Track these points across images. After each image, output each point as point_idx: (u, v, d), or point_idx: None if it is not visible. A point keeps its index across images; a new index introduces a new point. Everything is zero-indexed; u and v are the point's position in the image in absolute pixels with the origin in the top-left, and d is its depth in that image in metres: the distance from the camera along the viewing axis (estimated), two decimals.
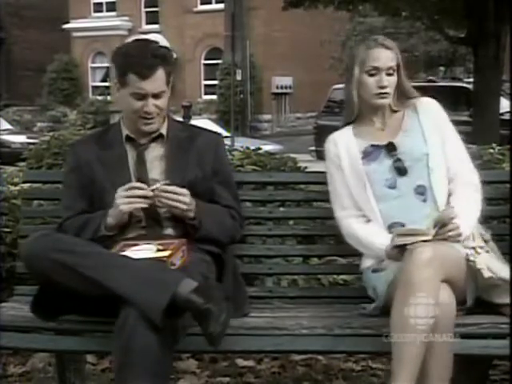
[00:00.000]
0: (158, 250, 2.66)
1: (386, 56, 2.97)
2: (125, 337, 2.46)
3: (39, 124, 25.73)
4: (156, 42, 2.93)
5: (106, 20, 31.03)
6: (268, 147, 10.36)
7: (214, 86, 27.59)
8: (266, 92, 27.56)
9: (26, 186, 3.67)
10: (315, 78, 26.08)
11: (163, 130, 2.96)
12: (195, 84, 29.22)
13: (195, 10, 29.08)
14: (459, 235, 2.70)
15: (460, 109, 13.32)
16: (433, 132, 2.98)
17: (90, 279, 2.53)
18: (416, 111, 3.03)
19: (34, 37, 31.20)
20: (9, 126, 20.27)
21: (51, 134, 6.85)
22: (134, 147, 2.94)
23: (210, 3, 29.00)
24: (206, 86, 29.41)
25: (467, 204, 2.87)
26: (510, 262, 2.82)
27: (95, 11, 32.06)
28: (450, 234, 2.68)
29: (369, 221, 2.94)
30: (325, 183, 3.14)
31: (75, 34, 31.83)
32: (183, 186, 2.79)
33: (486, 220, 2.98)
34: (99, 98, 28.21)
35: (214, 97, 26.99)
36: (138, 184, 2.80)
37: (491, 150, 4.53)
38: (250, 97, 26.27)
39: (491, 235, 2.91)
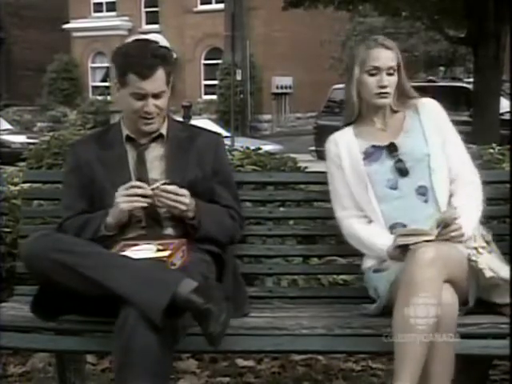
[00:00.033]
0: (158, 250, 2.66)
1: (386, 56, 2.97)
2: (125, 337, 2.46)
3: (39, 124, 25.73)
4: (156, 42, 2.93)
5: (106, 20, 31.03)
6: (268, 147, 10.36)
7: (213, 86, 27.58)
8: (265, 92, 27.57)
9: (25, 185, 3.67)
10: (315, 77, 26.08)
11: (163, 130, 2.96)
12: (195, 84, 29.22)
13: (195, 9, 29.08)
14: (462, 235, 2.70)
15: (460, 109, 13.32)
16: (434, 133, 2.98)
17: (89, 279, 2.53)
18: (417, 112, 3.03)
19: (34, 37, 31.20)
20: (9, 126, 20.28)
21: (51, 134, 6.85)
22: (134, 147, 2.94)
23: (210, 3, 29.00)
24: (205, 86, 29.41)
25: (469, 205, 2.87)
26: (510, 262, 2.82)
27: (95, 11, 32.05)
28: (453, 234, 2.68)
29: (370, 221, 2.94)
30: (325, 183, 3.14)
31: (75, 34, 31.83)
32: (182, 186, 2.79)
33: (486, 220, 2.98)
34: (99, 98, 28.22)
35: (214, 97, 26.98)
36: (138, 183, 2.80)
37: (491, 150, 4.53)
38: (250, 97, 26.27)
39: (492, 236, 2.92)
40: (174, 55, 3.23)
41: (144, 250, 2.67)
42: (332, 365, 3.71)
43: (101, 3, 32.05)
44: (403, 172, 2.92)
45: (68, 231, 2.85)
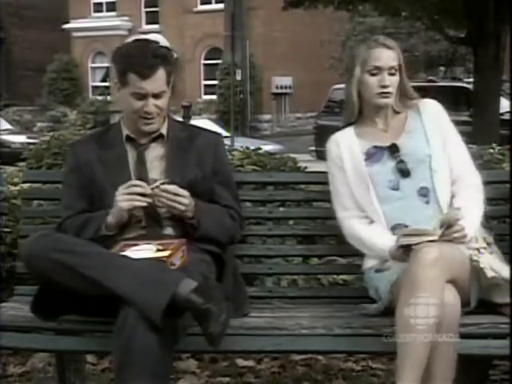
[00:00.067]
0: (158, 250, 2.66)
1: (387, 56, 2.97)
2: (125, 337, 2.45)
3: (39, 124, 25.74)
4: (156, 42, 2.93)
5: (106, 20, 31.03)
6: (268, 147, 10.36)
7: (213, 86, 27.59)
8: (265, 92, 27.57)
9: (25, 185, 3.67)
10: (315, 77, 26.09)
11: (163, 130, 2.96)
12: (195, 84, 29.22)
13: (195, 10, 29.08)
14: (464, 236, 2.70)
15: (460, 109, 13.32)
16: (435, 133, 2.97)
17: (89, 279, 2.53)
18: (418, 112, 3.02)
19: (34, 37, 31.21)
20: (9, 126, 20.28)
21: (51, 134, 6.85)
22: (134, 147, 2.94)
23: (210, 3, 29.00)
24: (205, 85, 29.41)
25: (470, 206, 2.87)
26: (510, 262, 2.82)
27: (95, 11, 32.06)
28: (456, 235, 2.68)
29: (371, 222, 2.94)
30: (325, 183, 3.14)
31: (75, 34, 31.83)
32: (182, 187, 2.79)
33: (486, 220, 2.98)
34: (99, 98, 28.22)
35: (214, 97, 26.99)
36: (138, 182, 2.80)
37: (491, 150, 4.53)
38: (250, 97, 26.27)
39: (493, 236, 2.92)
40: (175, 55, 3.22)
41: (144, 250, 2.67)
42: (332, 365, 3.71)
43: (101, 3, 32.06)
44: (405, 173, 2.92)
45: (68, 231, 2.85)
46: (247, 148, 4.86)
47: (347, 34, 25.02)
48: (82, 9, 31.36)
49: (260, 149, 4.92)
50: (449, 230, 2.67)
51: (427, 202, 2.89)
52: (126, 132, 2.96)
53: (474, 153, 3.12)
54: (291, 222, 3.40)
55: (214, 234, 2.87)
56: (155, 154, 2.93)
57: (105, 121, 21.20)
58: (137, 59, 2.81)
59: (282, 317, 2.85)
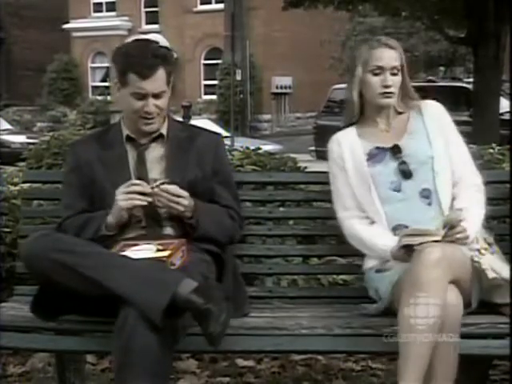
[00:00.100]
0: (158, 250, 2.66)
1: (389, 56, 2.96)
2: (125, 337, 2.45)
3: (39, 124, 25.75)
4: (156, 42, 2.93)
5: (106, 20, 31.03)
6: (268, 147, 10.36)
7: (213, 86, 27.59)
8: (265, 92, 27.57)
9: (25, 185, 3.67)
10: (315, 77, 26.09)
11: (163, 130, 2.96)
12: (195, 84, 29.23)
13: (195, 9, 29.08)
14: (467, 238, 2.70)
15: (460, 109, 13.31)
16: (437, 135, 2.97)
17: (89, 279, 2.53)
18: (421, 113, 3.02)
19: (34, 37, 31.21)
20: (9, 126, 20.29)
21: (51, 134, 6.86)
22: (134, 147, 2.94)
23: (210, 3, 29.01)
24: (205, 86, 29.42)
25: (472, 207, 2.86)
26: (510, 262, 2.82)
27: (95, 11, 32.06)
28: (458, 236, 2.67)
29: (372, 222, 2.94)
30: (325, 183, 3.13)
31: (75, 34, 31.83)
32: (182, 187, 2.79)
33: (486, 220, 2.97)
34: (99, 98, 28.23)
35: (214, 97, 26.99)
36: (137, 181, 2.80)
37: (491, 150, 4.53)
38: (250, 97, 26.28)
39: (494, 237, 2.92)
40: (175, 55, 3.23)
41: (144, 250, 2.67)
42: (332, 365, 3.71)
43: (101, 3, 32.06)
44: (407, 174, 2.91)
45: (68, 230, 2.85)
46: (247, 148, 4.86)
47: (347, 34, 25.03)
48: (81, 9, 31.36)
49: (260, 149, 4.92)
50: (451, 230, 2.67)
51: (429, 204, 2.89)
52: (126, 132, 2.96)
53: (474, 153, 3.12)
54: (291, 221, 3.40)
55: (214, 234, 2.87)
56: (155, 154, 2.93)
57: (105, 121, 21.21)
58: (137, 59, 2.81)
59: (281, 317, 2.85)
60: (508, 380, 3.17)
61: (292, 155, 5.42)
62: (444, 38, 15.38)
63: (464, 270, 2.65)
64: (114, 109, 20.39)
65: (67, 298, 2.63)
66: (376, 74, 2.96)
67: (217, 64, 27.28)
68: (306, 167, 4.92)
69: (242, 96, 24.76)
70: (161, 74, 2.83)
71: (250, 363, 3.73)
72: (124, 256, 2.63)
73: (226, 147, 3.46)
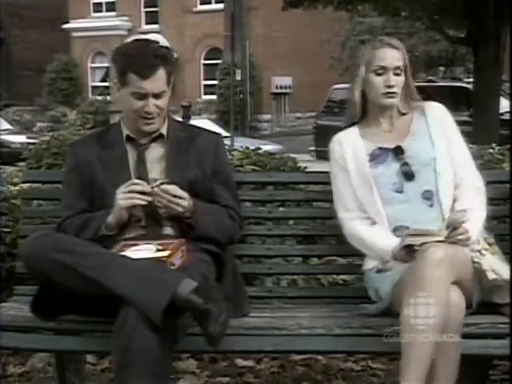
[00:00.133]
0: (158, 250, 2.66)
1: (392, 56, 2.96)
2: (124, 337, 2.45)
3: (39, 124, 25.74)
4: (156, 42, 2.93)
5: (106, 20, 31.03)
6: (268, 147, 10.35)
7: (213, 86, 27.59)
8: (265, 92, 27.57)
9: (25, 185, 3.67)
10: (315, 77, 26.09)
11: (163, 130, 2.96)
12: (195, 84, 29.23)
13: (195, 9, 29.08)
14: (468, 239, 2.70)
15: (460, 109, 13.31)
16: (440, 136, 2.96)
17: (89, 279, 2.53)
18: (424, 114, 3.01)
19: (33, 37, 31.21)
20: (9, 126, 20.30)
21: (51, 134, 6.85)
22: (134, 147, 2.94)
23: (210, 3, 29.01)
24: (205, 86, 29.42)
25: (473, 209, 2.85)
26: (510, 262, 2.82)
27: (95, 11, 32.06)
28: (460, 237, 2.67)
29: (373, 223, 2.93)
30: (325, 183, 3.13)
31: (75, 34, 31.83)
32: (182, 187, 2.79)
33: (486, 220, 2.97)
34: (99, 98, 28.23)
35: (214, 97, 26.99)
36: (137, 181, 2.80)
37: (491, 150, 4.53)
38: (250, 97, 26.27)
39: (494, 237, 2.92)
40: (175, 55, 3.22)
41: (144, 250, 2.67)
42: (331, 365, 3.71)
43: (100, 3, 32.06)
44: (409, 176, 2.91)
45: (68, 230, 2.85)
46: (247, 148, 4.86)
47: (347, 34, 25.03)
48: (81, 9, 31.36)
49: (260, 149, 4.92)
50: (453, 232, 2.67)
51: (431, 205, 2.88)
52: (126, 132, 2.96)
53: (474, 153, 3.11)
54: (291, 221, 3.40)
55: (214, 234, 2.87)
56: (155, 154, 2.93)
57: (104, 121, 21.21)
58: (137, 59, 2.81)
59: (281, 317, 2.85)
60: (508, 380, 3.17)
61: (292, 155, 5.42)
62: (444, 38, 15.38)
63: (466, 271, 2.65)
64: (113, 109, 20.40)
65: (67, 297, 2.63)
66: (379, 74, 2.96)
67: (217, 64, 27.28)
68: (305, 167, 4.92)
69: (241, 96, 24.76)
70: (161, 73, 2.83)
71: (250, 363, 3.73)
72: (124, 256, 2.63)
73: (226, 147, 3.46)
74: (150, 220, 2.84)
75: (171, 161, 2.91)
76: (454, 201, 2.91)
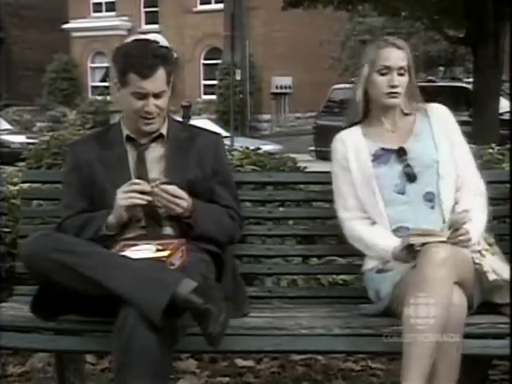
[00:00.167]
0: (158, 250, 2.66)
1: (396, 56, 2.95)
2: (124, 337, 2.46)
3: (39, 124, 25.74)
4: (156, 42, 2.93)
5: (106, 20, 31.03)
6: (267, 147, 10.35)
7: (213, 85, 27.59)
8: (265, 92, 27.57)
9: (25, 185, 3.67)
10: (315, 77, 26.09)
11: (163, 130, 2.96)
12: (195, 84, 29.23)
13: (195, 9, 29.08)
14: (469, 240, 2.70)
15: (459, 109, 13.29)
16: (443, 138, 2.96)
17: (89, 279, 2.53)
18: (427, 115, 3.01)
19: (33, 37, 31.21)
20: (8, 126, 20.29)
21: (51, 133, 6.85)
22: (134, 147, 2.94)
23: (210, 3, 29.00)
24: (205, 85, 29.41)
25: (475, 211, 2.85)
26: (510, 262, 2.82)
27: (94, 11, 32.05)
28: (461, 238, 2.67)
29: (373, 223, 2.93)
30: (324, 183, 3.13)
31: (75, 34, 31.83)
32: (182, 187, 2.79)
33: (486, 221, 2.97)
34: (98, 98, 28.24)
35: (214, 97, 26.99)
36: (138, 181, 2.80)
37: (491, 150, 4.53)
38: (250, 97, 26.27)
39: (494, 237, 2.92)
40: (175, 55, 3.22)
41: (143, 250, 2.67)
42: (331, 365, 3.71)
43: (100, 3, 32.06)
44: (411, 177, 2.90)
45: (68, 230, 2.85)
46: (247, 148, 4.86)
47: (347, 34, 25.04)
48: (81, 9, 31.36)
49: (259, 149, 4.92)
50: (455, 232, 2.67)
51: (432, 207, 2.88)
52: (126, 132, 2.96)
53: (473, 153, 3.11)
54: (291, 222, 3.40)
55: (214, 234, 2.87)
56: (155, 154, 2.93)
57: (104, 121, 21.23)
58: (137, 59, 2.81)
59: (281, 317, 2.85)
60: (508, 380, 3.17)
61: (292, 155, 5.42)
62: (444, 38, 15.37)
63: (467, 271, 2.65)
64: (113, 109, 20.43)
65: (67, 297, 2.63)
66: (383, 74, 2.95)
67: (216, 64, 27.28)
68: (305, 167, 4.92)
69: (241, 96, 24.76)
70: (161, 73, 2.83)
71: (250, 363, 3.73)
72: (124, 256, 2.63)
73: (226, 147, 3.46)
74: (149, 220, 2.84)
75: (171, 161, 2.91)
76: (456, 203, 2.91)
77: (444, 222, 2.83)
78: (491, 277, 2.68)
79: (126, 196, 2.75)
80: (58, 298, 2.66)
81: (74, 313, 2.74)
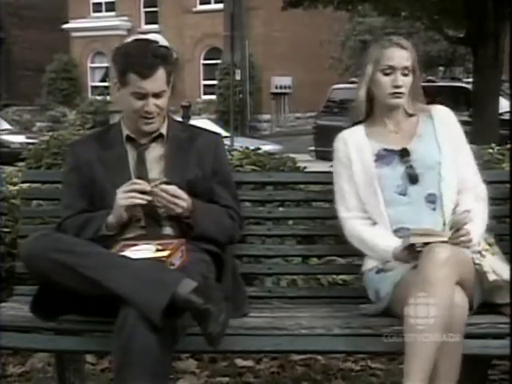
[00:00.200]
0: (157, 250, 2.66)
1: (400, 55, 2.94)
2: (124, 337, 2.45)
3: (38, 124, 25.75)
4: (156, 42, 2.93)
5: (105, 20, 31.03)
6: (267, 147, 10.35)
7: (213, 85, 27.59)
8: (265, 92, 27.57)
9: (25, 185, 3.66)
10: (314, 77, 26.10)
11: (163, 130, 2.96)
12: (194, 84, 29.23)
13: (194, 9, 29.08)
14: (470, 241, 2.70)
15: (459, 109, 13.26)
16: (446, 140, 2.95)
17: (89, 279, 2.53)
18: (431, 117, 3.00)
19: (33, 37, 31.21)
20: (8, 126, 20.29)
21: (50, 133, 6.86)
22: (134, 147, 2.94)
23: (209, 3, 29.01)
24: (205, 85, 29.42)
25: (475, 213, 2.85)
26: (510, 262, 2.82)
27: (94, 11, 32.05)
28: (463, 239, 2.67)
29: (374, 223, 2.93)
30: (324, 183, 3.13)
31: (74, 34, 31.83)
32: (181, 187, 2.79)
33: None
34: (98, 98, 28.25)
35: (214, 97, 26.99)
36: (138, 180, 2.80)
37: (490, 150, 4.53)
38: (250, 97, 26.28)
39: (494, 237, 2.92)
40: (174, 55, 3.21)
41: (143, 250, 2.66)
42: (331, 365, 3.71)
43: (100, 3, 32.06)
44: (413, 179, 2.89)
45: (68, 230, 2.85)
46: (246, 148, 4.86)
47: (347, 34, 25.05)
48: (81, 9, 31.36)
49: (259, 149, 4.92)
50: (456, 233, 2.67)
51: (434, 209, 2.87)
52: (126, 132, 2.96)
53: (473, 153, 3.11)
54: (290, 221, 3.40)
55: (213, 234, 2.87)
56: (155, 154, 2.93)
57: (104, 121, 21.23)
58: (137, 59, 2.81)
59: (281, 317, 2.85)
60: (507, 380, 3.17)
61: (291, 155, 5.42)
62: (443, 38, 15.38)
63: (468, 271, 2.65)
64: (113, 109, 20.41)
65: (67, 298, 2.63)
66: (387, 74, 2.94)
67: (216, 64, 27.28)
68: (305, 167, 4.92)
69: (241, 96, 24.77)
70: (161, 73, 2.83)
71: (250, 363, 3.73)
72: (124, 256, 2.63)
73: (226, 147, 3.46)
74: (149, 220, 2.84)
75: (171, 161, 2.91)
76: (457, 206, 2.90)
77: (444, 224, 2.83)
78: (491, 277, 2.68)
79: (125, 196, 2.75)
80: (57, 298, 2.66)
81: (73, 313, 2.73)
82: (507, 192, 3.13)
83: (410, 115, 3.02)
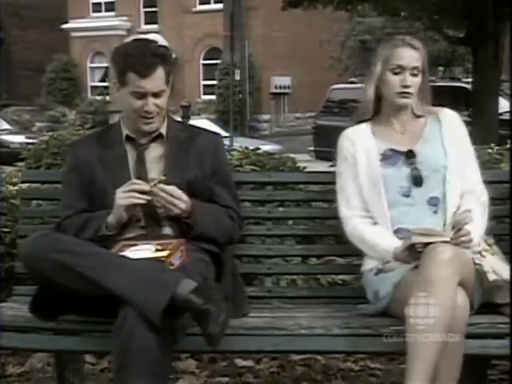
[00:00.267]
0: (157, 250, 2.66)
1: (411, 55, 2.93)
2: (124, 337, 2.45)
3: (38, 124, 25.76)
4: (155, 42, 2.93)
5: (105, 20, 31.03)
6: (267, 147, 10.35)
7: (212, 86, 27.59)
8: (264, 92, 27.57)
9: (24, 185, 3.66)
10: (314, 78, 26.09)
11: (163, 130, 2.96)
12: (194, 84, 29.23)
13: (194, 9, 29.08)
14: (470, 241, 2.70)
15: (459, 109, 13.18)
16: (452, 144, 2.94)
17: (89, 279, 2.53)
18: (438, 120, 2.99)
19: (33, 37, 31.21)
20: (8, 126, 20.31)
21: (50, 133, 6.87)
22: (134, 147, 2.94)
23: (209, 3, 29.01)
24: (204, 86, 29.42)
25: (476, 214, 2.84)
26: (510, 262, 2.82)
27: (94, 11, 32.06)
28: (463, 239, 2.67)
29: (375, 223, 2.92)
30: (324, 183, 3.13)
31: (74, 34, 31.83)
32: (181, 188, 2.79)
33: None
34: (98, 98, 28.26)
35: (213, 97, 27.00)
36: (137, 180, 2.80)
37: (490, 150, 4.53)
38: (249, 97, 26.29)
39: (493, 237, 2.92)
40: (174, 55, 3.22)
41: (143, 250, 2.66)
42: (331, 365, 3.71)
43: (99, 3, 32.06)
44: (418, 181, 2.89)
45: (67, 230, 2.85)
46: (246, 148, 4.86)
47: (346, 34, 25.04)
48: (80, 9, 31.36)
49: (259, 149, 4.92)
50: (457, 233, 2.67)
51: (435, 212, 2.87)
52: (125, 132, 2.96)
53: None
54: (290, 222, 3.40)
55: (213, 234, 2.87)
56: (155, 154, 2.93)
57: (104, 121, 21.26)
58: (136, 58, 2.81)
59: (281, 317, 2.85)
60: (507, 380, 3.17)
61: (291, 155, 5.42)
62: (443, 38, 15.36)
63: (469, 271, 2.65)
64: (112, 109, 20.44)
65: (66, 298, 2.63)
66: (396, 73, 2.92)
67: (216, 64, 27.28)
68: (305, 167, 4.92)
69: (241, 96, 24.77)
70: (160, 72, 2.83)
71: (249, 363, 3.73)
72: (123, 256, 2.63)
73: (225, 147, 3.46)
74: (149, 220, 2.84)
75: (171, 161, 2.91)
76: (457, 209, 2.89)
77: (445, 225, 2.82)
78: (491, 277, 2.68)
79: (125, 196, 2.75)
80: (57, 298, 2.66)
81: (73, 313, 2.73)
82: (506, 192, 3.13)
83: (418, 116, 3.01)
